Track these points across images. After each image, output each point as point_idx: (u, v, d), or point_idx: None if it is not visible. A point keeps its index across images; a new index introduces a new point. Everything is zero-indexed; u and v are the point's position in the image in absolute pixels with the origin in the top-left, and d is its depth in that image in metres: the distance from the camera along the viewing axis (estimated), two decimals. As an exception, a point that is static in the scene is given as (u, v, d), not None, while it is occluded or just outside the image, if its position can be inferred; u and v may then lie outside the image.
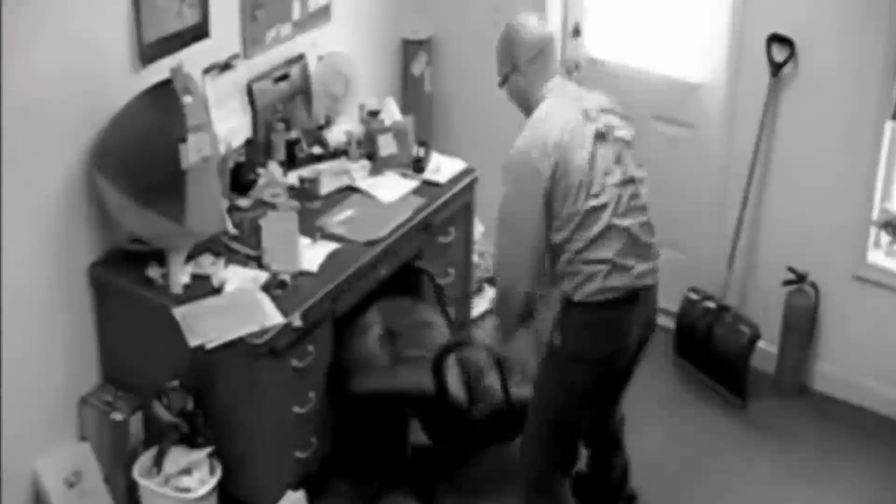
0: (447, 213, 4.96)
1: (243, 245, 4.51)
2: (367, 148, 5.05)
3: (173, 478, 4.29)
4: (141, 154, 4.11)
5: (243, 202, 4.73)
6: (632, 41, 5.41)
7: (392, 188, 4.92)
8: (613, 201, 3.90)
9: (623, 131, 4.01)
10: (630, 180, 3.96)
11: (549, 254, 3.97)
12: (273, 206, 4.68)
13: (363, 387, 4.43)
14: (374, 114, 5.12)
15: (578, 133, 3.89)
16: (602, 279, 3.88)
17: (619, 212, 3.91)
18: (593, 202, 3.87)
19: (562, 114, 3.93)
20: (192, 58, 4.45)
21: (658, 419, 5.06)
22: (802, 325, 5.16)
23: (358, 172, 4.98)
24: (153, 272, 4.33)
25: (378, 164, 5.02)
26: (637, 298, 3.96)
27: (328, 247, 4.55)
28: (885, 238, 5.03)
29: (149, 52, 4.37)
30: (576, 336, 3.97)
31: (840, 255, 5.07)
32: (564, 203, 3.87)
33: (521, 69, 4.01)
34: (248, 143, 4.86)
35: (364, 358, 4.49)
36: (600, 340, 3.96)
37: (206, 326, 4.16)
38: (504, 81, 4.08)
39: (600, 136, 3.92)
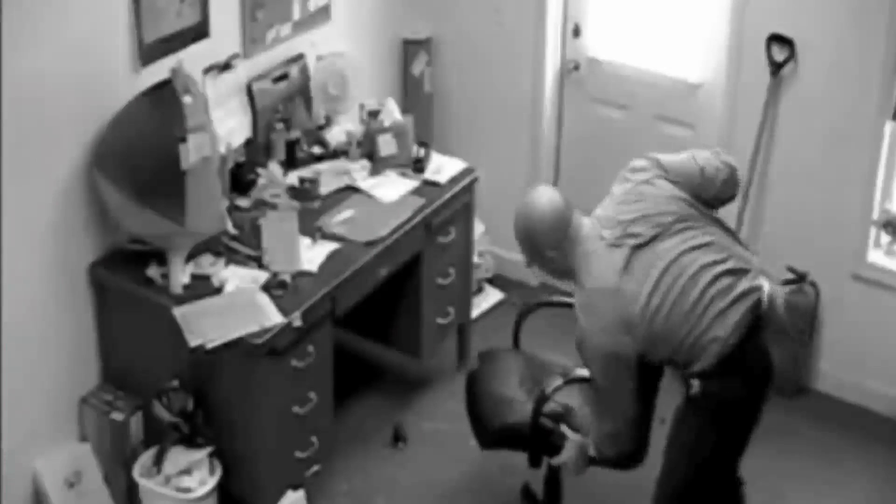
0: (447, 213, 4.96)
1: (243, 245, 4.51)
2: (367, 148, 5.05)
3: (173, 478, 4.29)
4: (141, 154, 4.12)
5: (243, 202, 4.73)
6: (632, 41, 5.41)
7: (392, 188, 4.92)
8: (681, 286, 3.70)
9: (642, 227, 3.74)
10: (680, 254, 3.72)
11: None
12: (273, 206, 4.67)
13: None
14: (374, 114, 5.11)
15: (615, 276, 3.69)
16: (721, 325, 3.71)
17: (696, 288, 3.70)
18: (665, 308, 3.69)
19: (599, 275, 3.71)
20: (192, 58, 4.45)
21: (657, 418, 5.05)
22: (802, 324, 5.16)
23: (358, 172, 4.98)
24: (153, 272, 4.33)
25: (378, 164, 5.02)
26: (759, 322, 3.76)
27: (328, 247, 4.55)
28: (885, 238, 5.03)
29: (149, 53, 4.37)
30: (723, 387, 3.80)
31: (840, 254, 5.07)
32: (657, 341, 3.74)
33: (550, 255, 3.80)
34: (248, 143, 4.86)
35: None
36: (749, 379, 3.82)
37: (206, 326, 4.16)
38: (531, 265, 3.91)
39: (631, 255, 3.71)
